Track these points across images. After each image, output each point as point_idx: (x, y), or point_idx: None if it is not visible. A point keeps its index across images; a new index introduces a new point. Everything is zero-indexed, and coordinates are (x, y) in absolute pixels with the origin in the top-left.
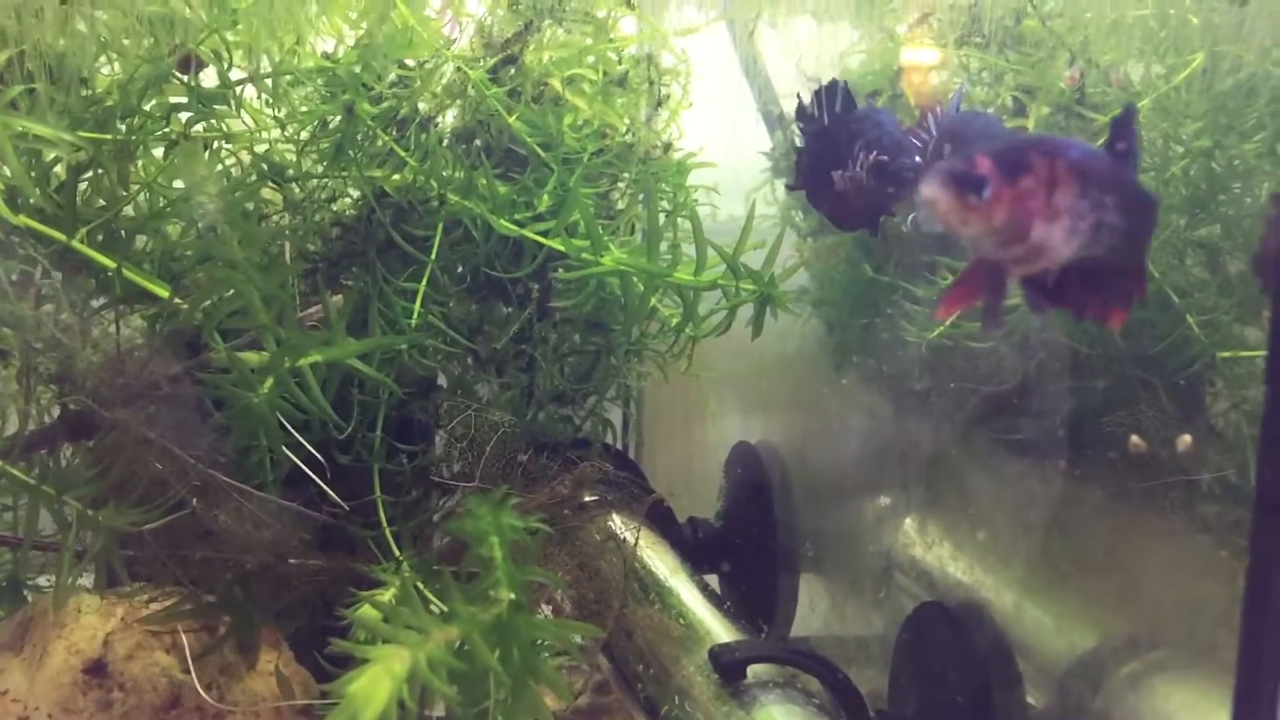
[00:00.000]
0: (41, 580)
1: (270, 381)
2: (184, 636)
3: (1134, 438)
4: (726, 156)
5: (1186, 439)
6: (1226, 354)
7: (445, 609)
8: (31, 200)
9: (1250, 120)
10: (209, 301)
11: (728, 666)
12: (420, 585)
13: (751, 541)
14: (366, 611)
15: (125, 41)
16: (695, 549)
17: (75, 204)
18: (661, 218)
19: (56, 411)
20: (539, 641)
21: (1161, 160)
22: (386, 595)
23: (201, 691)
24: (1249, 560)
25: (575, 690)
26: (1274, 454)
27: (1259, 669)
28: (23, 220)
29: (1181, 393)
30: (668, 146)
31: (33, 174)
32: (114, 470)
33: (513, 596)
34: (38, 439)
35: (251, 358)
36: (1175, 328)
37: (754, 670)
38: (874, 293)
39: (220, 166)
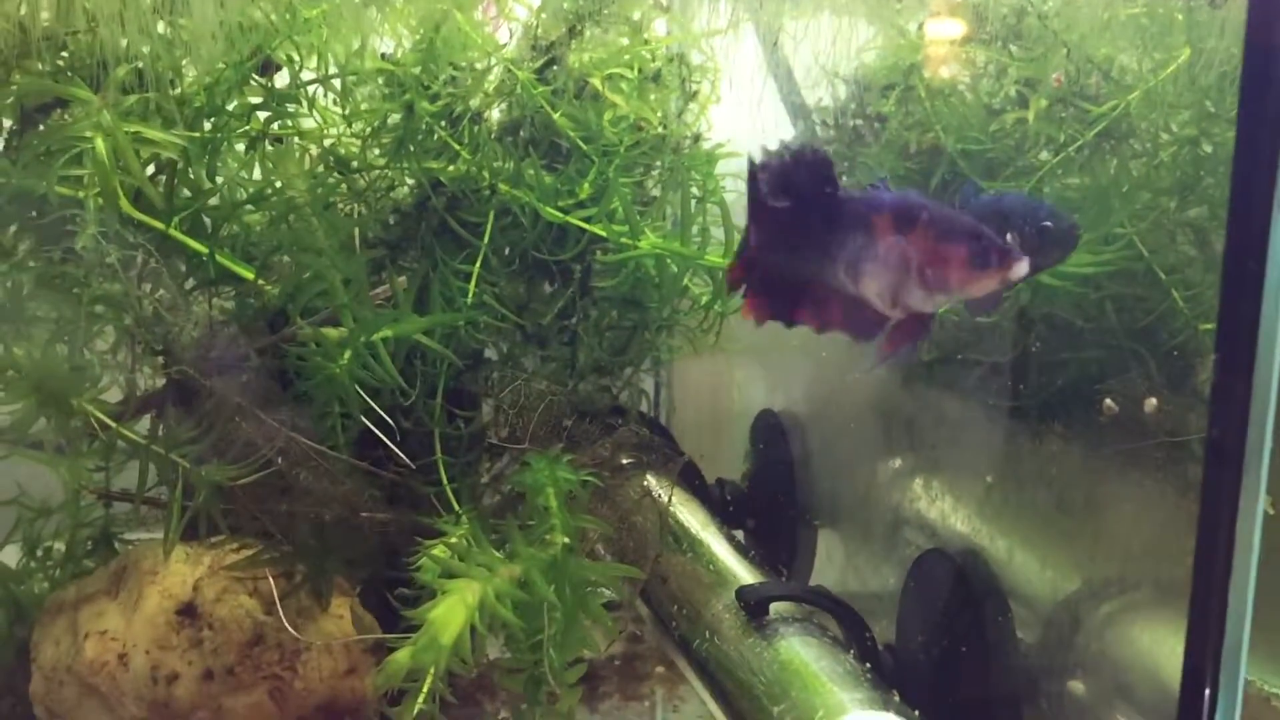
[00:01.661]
0: (129, 536)
1: (348, 354)
2: (265, 582)
3: (1107, 401)
4: (752, 146)
5: (1153, 401)
6: (1208, 326)
7: (503, 554)
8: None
9: (1233, 109)
10: (294, 283)
11: (752, 604)
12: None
13: (774, 500)
14: (439, 551)
15: (204, 47)
16: (723, 507)
17: (172, 195)
18: (692, 204)
19: (160, 381)
20: (589, 582)
21: (1152, 147)
22: (455, 539)
23: (288, 625)
24: (1200, 507)
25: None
26: (1221, 412)
27: (1207, 606)
28: (129, 210)
29: (1172, 363)
30: (698, 138)
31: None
32: (212, 433)
33: (566, 540)
34: (145, 404)
35: (331, 333)
36: (1163, 302)
37: (776, 608)
38: None
39: (307, 164)
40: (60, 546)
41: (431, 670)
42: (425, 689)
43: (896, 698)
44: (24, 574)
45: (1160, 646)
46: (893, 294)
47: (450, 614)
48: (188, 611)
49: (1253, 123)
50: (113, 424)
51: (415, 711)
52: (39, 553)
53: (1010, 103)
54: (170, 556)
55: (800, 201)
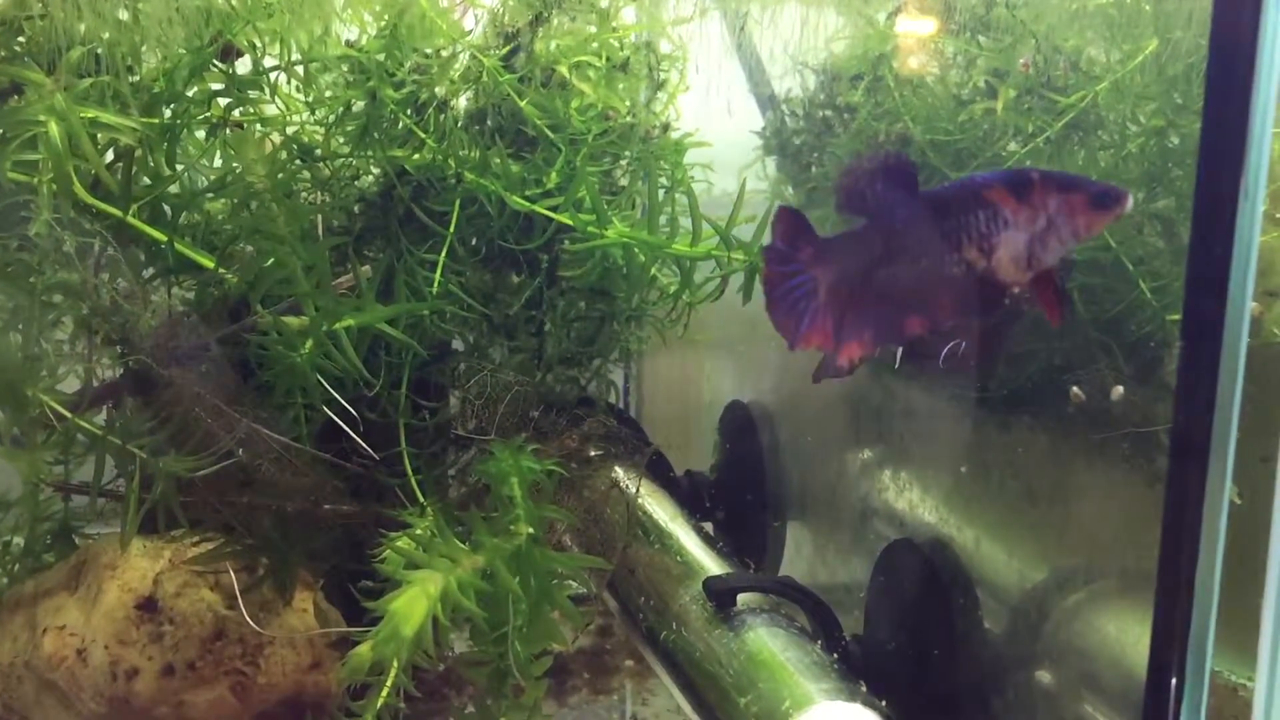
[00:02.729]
0: (89, 529)
1: (310, 343)
2: (227, 576)
3: (1074, 389)
4: (720, 135)
5: (1119, 389)
6: (1174, 317)
7: (468, 546)
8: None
9: (1200, 100)
10: (255, 271)
11: (719, 595)
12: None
13: (743, 492)
14: (403, 542)
15: (163, 32)
16: (692, 498)
17: (130, 183)
18: (660, 193)
19: (118, 371)
20: (554, 573)
21: (1120, 138)
22: (419, 529)
23: (249, 620)
24: (1166, 497)
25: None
26: (1186, 402)
27: (1174, 596)
28: (85, 196)
29: (1141, 353)
30: (666, 127)
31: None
32: (171, 423)
33: (531, 531)
34: (102, 394)
35: (293, 322)
36: (1130, 293)
37: (743, 599)
38: None
39: (269, 150)
40: (19, 541)
41: (395, 663)
42: (389, 682)
43: (864, 688)
44: None
45: (1127, 636)
46: (1029, 256)
47: (411, 605)
48: (148, 606)
49: (1219, 114)
50: (69, 415)
51: (379, 705)
52: None
53: (979, 93)
54: (130, 550)
55: (889, 210)
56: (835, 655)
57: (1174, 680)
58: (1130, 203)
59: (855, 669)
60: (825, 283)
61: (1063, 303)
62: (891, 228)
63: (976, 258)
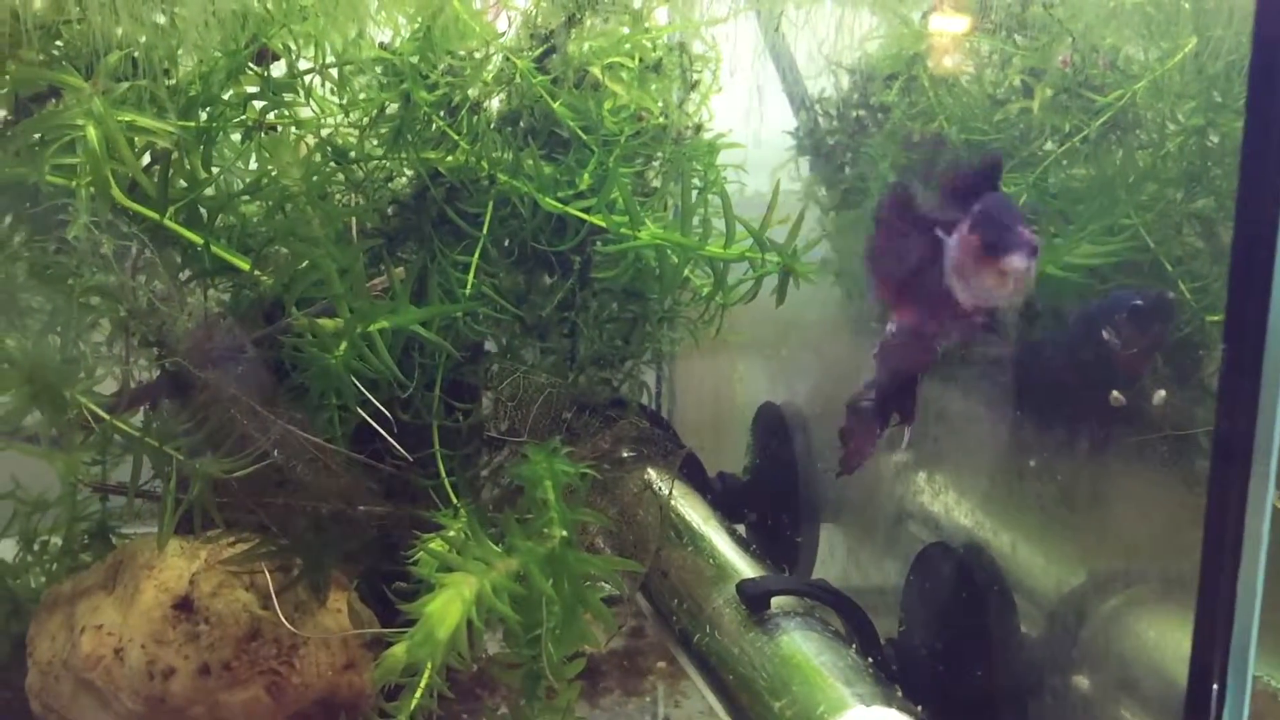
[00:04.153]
0: (125, 530)
1: (344, 345)
2: (262, 577)
3: (1114, 393)
4: (754, 136)
5: (1161, 394)
6: (1215, 318)
7: (501, 548)
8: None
9: (1241, 99)
10: (290, 273)
11: (753, 598)
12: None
13: (776, 494)
14: (437, 544)
15: (200, 35)
16: (724, 500)
17: (166, 185)
18: (693, 194)
19: (154, 373)
20: (587, 576)
21: (1159, 137)
22: (453, 532)
23: (284, 620)
24: (1208, 501)
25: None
26: (1229, 405)
27: (1215, 601)
28: (122, 199)
29: (1180, 355)
30: (699, 128)
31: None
32: (207, 424)
33: (564, 534)
34: (139, 396)
35: (328, 324)
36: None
37: (777, 602)
38: None
39: (303, 152)
40: (57, 540)
41: (429, 665)
42: (423, 684)
43: (899, 693)
44: (20, 568)
45: (1167, 641)
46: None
47: (447, 608)
48: (184, 606)
49: (1261, 112)
50: (106, 416)
51: (413, 706)
52: (35, 547)
53: (1015, 92)
54: (166, 550)
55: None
56: (870, 659)
57: (1215, 686)
58: (1025, 265)
59: (890, 673)
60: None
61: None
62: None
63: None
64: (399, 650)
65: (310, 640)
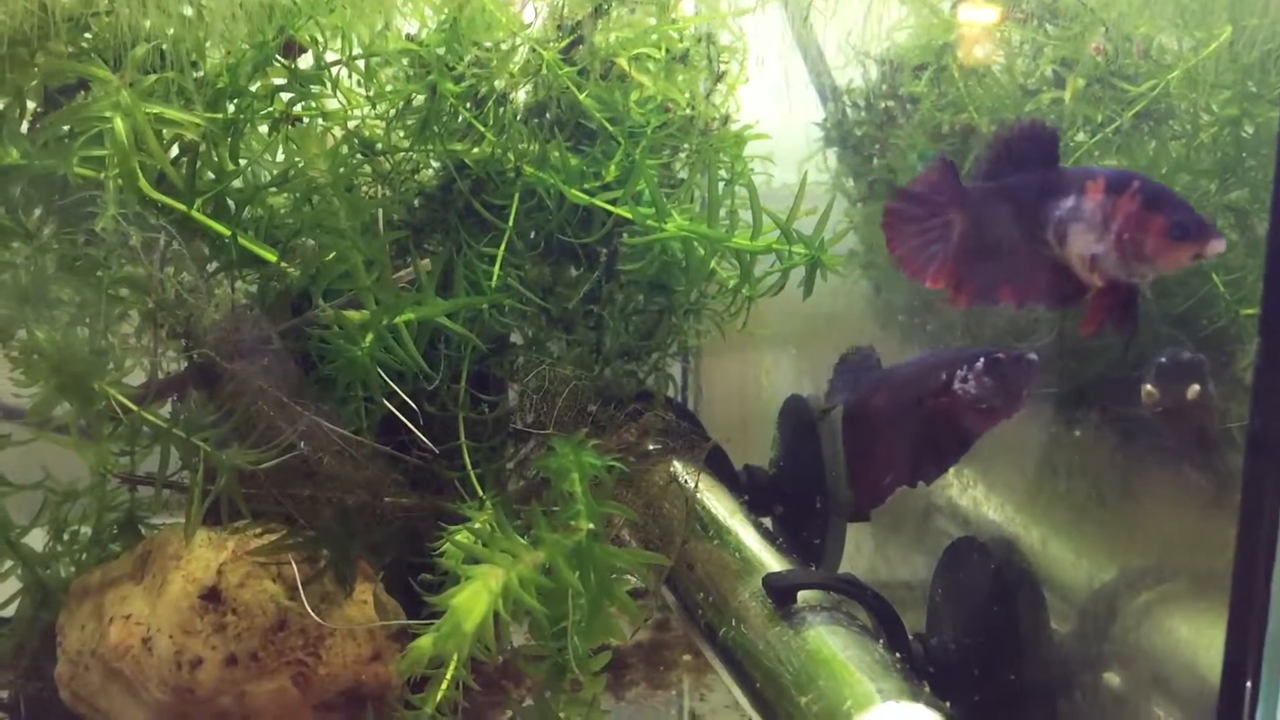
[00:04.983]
0: (154, 520)
1: (371, 336)
2: (289, 568)
3: (1146, 386)
4: (781, 128)
5: (1195, 387)
6: (1250, 311)
7: (527, 540)
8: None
9: (1277, 89)
10: (317, 265)
11: (780, 592)
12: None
13: (803, 487)
14: (463, 537)
15: (226, 27)
16: (751, 494)
17: (194, 177)
18: (720, 186)
19: (182, 364)
20: (614, 568)
21: (1192, 128)
22: (479, 524)
23: (310, 611)
24: (1242, 497)
25: (644, 616)
26: (1264, 400)
27: (1250, 597)
28: (150, 191)
29: (1213, 348)
30: (726, 119)
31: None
32: (234, 416)
33: (591, 526)
34: (166, 387)
35: (354, 316)
36: (1202, 287)
37: (803, 596)
38: None
39: (330, 144)
40: (86, 530)
41: (455, 657)
42: (449, 676)
43: (927, 688)
44: (50, 558)
45: (1200, 638)
46: (1091, 258)
47: (473, 600)
48: (211, 596)
49: None
50: (134, 407)
51: (438, 698)
52: (65, 536)
53: (1046, 83)
54: (194, 541)
55: (1022, 174)
56: (898, 654)
57: (1249, 683)
58: (1220, 246)
59: (918, 668)
60: (960, 229)
61: (1104, 322)
62: (1023, 195)
63: (1054, 245)
64: (425, 642)
65: (337, 631)
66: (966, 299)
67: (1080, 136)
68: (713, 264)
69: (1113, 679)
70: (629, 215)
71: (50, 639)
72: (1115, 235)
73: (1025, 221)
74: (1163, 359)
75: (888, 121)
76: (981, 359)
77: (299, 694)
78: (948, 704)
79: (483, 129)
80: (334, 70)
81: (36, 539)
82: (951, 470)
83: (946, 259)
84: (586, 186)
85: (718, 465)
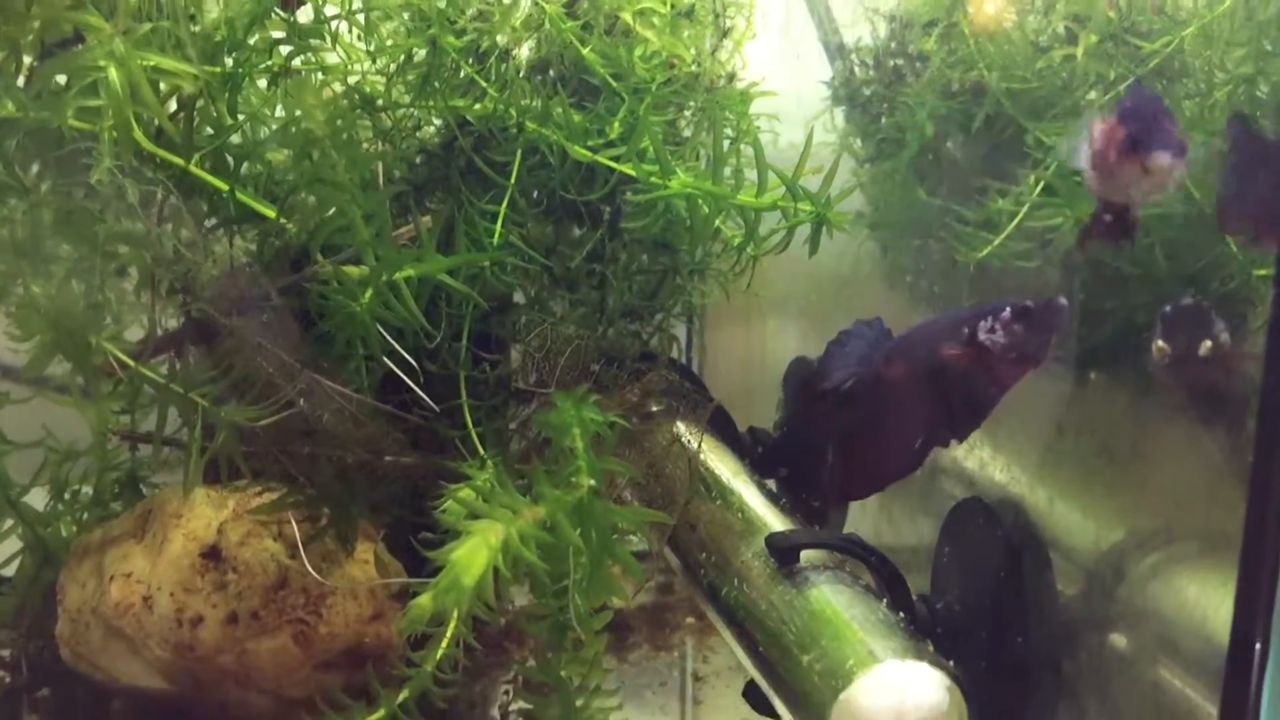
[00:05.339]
0: (155, 479)
1: (370, 293)
2: (289, 526)
3: (1158, 343)
4: (788, 86)
5: (1207, 344)
6: (1262, 271)
7: (528, 498)
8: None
9: None
10: (315, 220)
11: (782, 552)
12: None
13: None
14: (464, 493)
15: None
16: (754, 455)
17: (192, 131)
18: (725, 144)
19: (180, 321)
20: (615, 527)
21: (1206, 86)
22: (479, 481)
23: (310, 570)
24: (1254, 457)
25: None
26: (1276, 358)
27: (1260, 559)
28: (147, 145)
29: (1224, 308)
30: (731, 76)
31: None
32: (232, 372)
33: (593, 483)
34: (164, 343)
35: (353, 271)
36: (1215, 247)
37: (806, 556)
38: (926, 215)
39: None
40: (87, 489)
41: (455, 613)
42: (449, 633)
43: (930, 648)
44: (51, 517)
45: (1208, 599)
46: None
47: (473, 555)
48: (212, 555)
49: None
50: (131, 363)
51: (439, 656)
52: (66, 495)
53: (1058, 39)
54: (195, 499)
55: None
56: (901, 614)
57: (1258, 645)
58: (1163, 160)
59: (922, 629)
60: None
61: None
62: None
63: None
64: (425, 600)
65: (338, 590)
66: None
67: (1093, 94)
68: (717, 222)
69: (1119, 640)
70: (633, 173)
71: (51, 598)
72: (1095, 154)
73: None
74: (1166, 309)
75: (896, 80)
76: (1008, 309)
77: (300, 652)
78: (951, 663)
79: (485, 85)
80: (333, 24)
81: (37, 498)
82: None
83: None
84: (590, 144)
85: (722, 427)
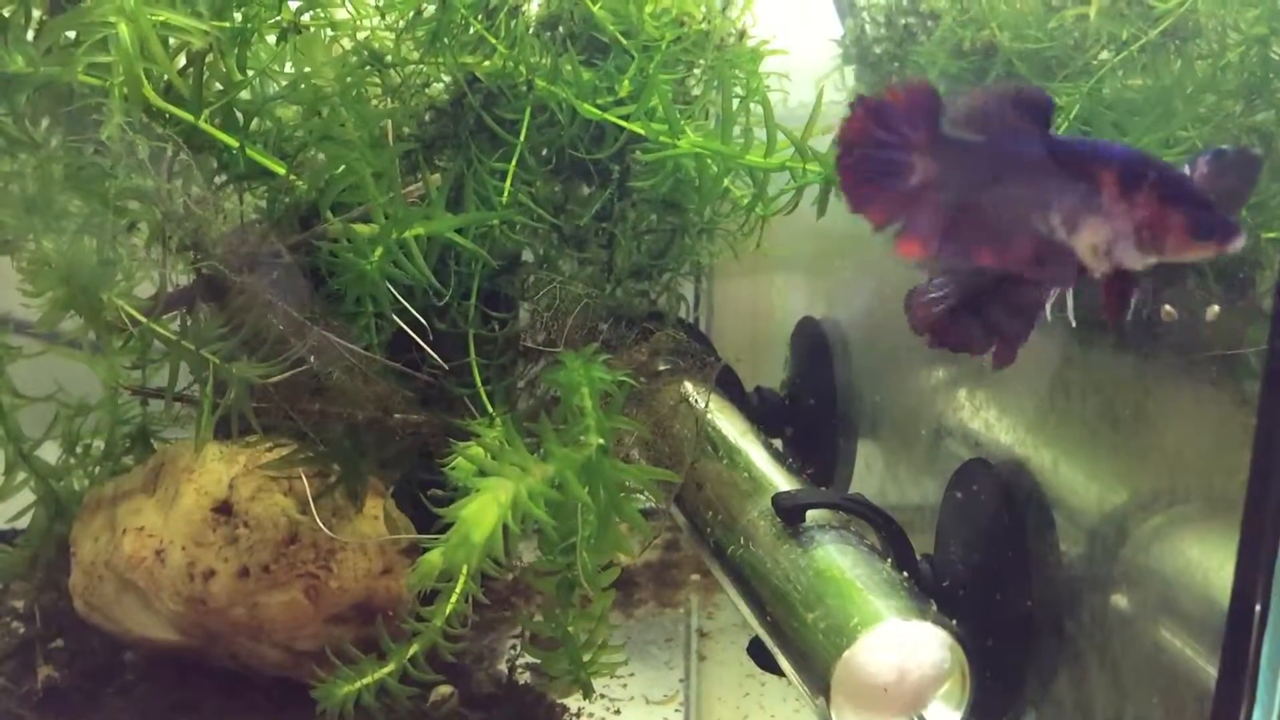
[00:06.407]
0: (166, 434)
1: (380, 250)
2: (300, 482)
3: (1166, 307)
4: (798, 44)
5: (1214, 309)
6: (1271, 234)
7: (537, 456)
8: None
9: None
10: (325, 177)
11: (788, 511)
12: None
13: (813, 409)
14: (474, 450)
15: None
16: (761, 415)
17: (201, 87)
18: (735, 103)
19: (191, 277)
20: (623, 485)
21: (1219, 47)
22: (489, 438)
23: (321, 525)
24: (1257, 419)
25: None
26: None
27: (1261, 521)
28: (156, 101)
29: (1232, 271)
30: (741, 34)
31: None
32: (243, 329)
33: (601, 441)
34: (175, 300)
35: (363, 229)
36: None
37: (812, 515)
38: None
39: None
40: (99, 444)
41: (464, 569)
42: (458, 589)
43: (934, 607)
44: (63, 470)
45: (1210, 561)
46: (1106, 250)
47: (482, 512)
48: (224, 509)
49: None
50: (143, 319)
51: (448, 611)
52: (78, 450)
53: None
54: (206, 454)
55: (1003, 139)
56: (905, 573)
57: (1258, 607)
58: (1239, 243)
59: (926, 588)
60: (921, 175)
61: (1123, 309)
62: (1006, 157)
63: (1059, 227)
64: (434, 555)
65: (348, 546)
66: (910, 249)
67: (1105, 55)
68: (726, 182)
69: (1120, 601)
70: (642, 131)
71: (64, 551)
72: (1135, 232)
73: (1018, 191)
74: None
75: (908, 38)
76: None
77: (310, 606)
78: (954, 622)
79: (494, 41)
80: None
81: (49, 451)
82: (963, 392)
83: (893, 198)
84: (599, 102)
85: (729, 386)
